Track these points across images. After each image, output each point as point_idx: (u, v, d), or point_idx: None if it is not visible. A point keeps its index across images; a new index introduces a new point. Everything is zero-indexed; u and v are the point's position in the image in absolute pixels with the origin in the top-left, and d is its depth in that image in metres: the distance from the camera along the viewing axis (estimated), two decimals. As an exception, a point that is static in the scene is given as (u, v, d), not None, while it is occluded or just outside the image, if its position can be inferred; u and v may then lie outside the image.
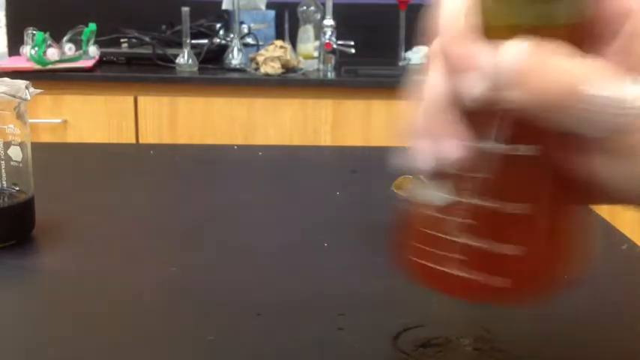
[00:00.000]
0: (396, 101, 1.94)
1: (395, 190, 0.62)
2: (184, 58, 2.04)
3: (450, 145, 0.31)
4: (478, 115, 0.31)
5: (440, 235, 0.34)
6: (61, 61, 1.96)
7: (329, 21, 2.07)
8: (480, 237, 0.33)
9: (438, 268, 0.34)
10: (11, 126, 0.57)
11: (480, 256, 0.34)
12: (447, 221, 0.34)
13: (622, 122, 0.27)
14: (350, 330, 0.44)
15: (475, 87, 0.28)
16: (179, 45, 2.09)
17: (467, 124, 0.31)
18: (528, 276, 0.35)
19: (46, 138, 1.94)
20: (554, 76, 0.27)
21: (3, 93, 0.56)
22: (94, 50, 2.06)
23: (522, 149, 0.31)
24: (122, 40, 2.25)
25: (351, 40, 2.15)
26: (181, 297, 0.49)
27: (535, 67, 0.27)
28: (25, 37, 1.98)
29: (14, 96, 0.56)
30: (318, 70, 2.08)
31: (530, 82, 0.27)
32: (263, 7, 2.30)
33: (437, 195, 0.34)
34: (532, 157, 0.31)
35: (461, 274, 0.34)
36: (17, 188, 0.59)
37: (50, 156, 0.90)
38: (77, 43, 2.02)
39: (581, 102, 0.27)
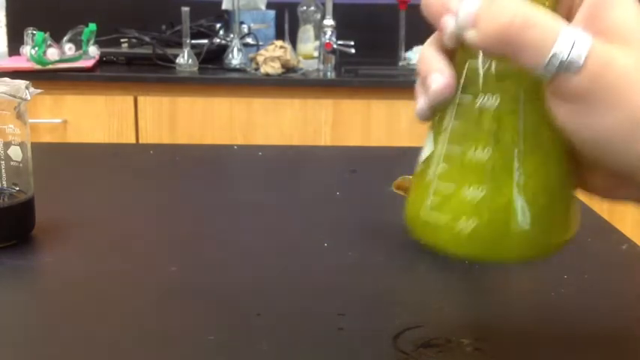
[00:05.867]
0: (396, 101, 1.94)
1: (395, 190, 0.62)
2: (184, 58, 2.04)
3: (435, 78, 0.36)
4: (457, 62, 0.36)
5: (422, 182, 0.37)
6: (61, 61, 1.96)
7: (329, 21, 2.07)
8: (449, 180, 0.36)
9: (422, 216, 0.37)
10: (11, 126, 0.57)
11: (447, 199, 0.36)
12: (428, 168, 0.37)
13: (557, 63, 0.31)
14: (350, 330, 0.44)
15: (448, 26, 0.34)
16: (179, 45, 2.08)
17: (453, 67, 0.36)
18: (488, 223, 0.35)
19: (46, 138, 1.94)
20: (497, 15, 0.32)
21: (3, 93, 0.56)
22: (94, 50, 2.06)
23: (484, 101, 0.35)
24: (122, 40, 2.25)
25: (351, 40, 2.15)
26: (181, 297, 0.49)
27: (484, 9, 0.32)
28: (25, 37, 1.98)
29: (14, 96, 0.57)
30: (318, 70, 2.08)
31: (480, 22, 0.32)
32: (263, 7, 2.30)
33: (425, 148, 0.38)
34: (495, 107, 0.35)
35: (433, 217, 0.36)
36: (17, 188, 0.59)
37: (50, 156, 0.90)
38: (77, 43, 2.02)
39: (517, 36, 0.32)
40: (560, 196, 0.36)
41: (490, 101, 0.35)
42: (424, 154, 0.38)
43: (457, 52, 0.36)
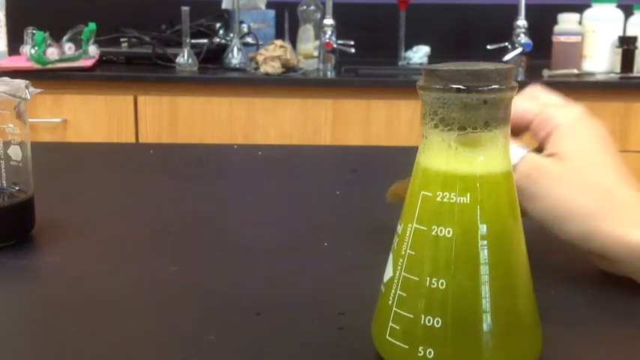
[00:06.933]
0: (396, 101, 1.94)
1: (390, 199, 0.60)
2: (184, 58, 2.04)
3: None
4: None
5: (384, 306, 0.38)
6: (60, 60, 1.96)
7: (329, 21, 2.07)
8: (407, 310, 0.37)
9: (386, 342, 0.38)
10: (11, 126, 0.57)
11: (407, 328, 0.37)
12: (388, 294, 0.38)
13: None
14: (350, 330, 0.44)
15: None
16: (179, 44, 2.09)
17: None
18: (450, 354, 0.36)
19: (46, 138, 1.94)
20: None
21: (3, 92, 0.56)
22: (93, 50, 2.06)
23: (438, 233, 0.36)
24: (122, 40, 2.25)
25: (351, 40, 2.15)
26: (181, 297, 0.49)
27: None
28: (25, 37, 1.98)
29: (14, 95, 0.56)
30: (318, 69, 2.08)
31: None
32: (263, 6, 2.31)
33: (387, 269, 0.39)
34: (449, 239, 0.35)
35: (396, 345, 0.37)
36: (17, 188, 0.59)
37: (50, 156, 0.90)
38: (77, 42, 2.02)
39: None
40: (523, 319, 0.37)
41: (444, 233, 0.35)
42: (386, 276, 0.39)
43: (411, 182, 0.37)
